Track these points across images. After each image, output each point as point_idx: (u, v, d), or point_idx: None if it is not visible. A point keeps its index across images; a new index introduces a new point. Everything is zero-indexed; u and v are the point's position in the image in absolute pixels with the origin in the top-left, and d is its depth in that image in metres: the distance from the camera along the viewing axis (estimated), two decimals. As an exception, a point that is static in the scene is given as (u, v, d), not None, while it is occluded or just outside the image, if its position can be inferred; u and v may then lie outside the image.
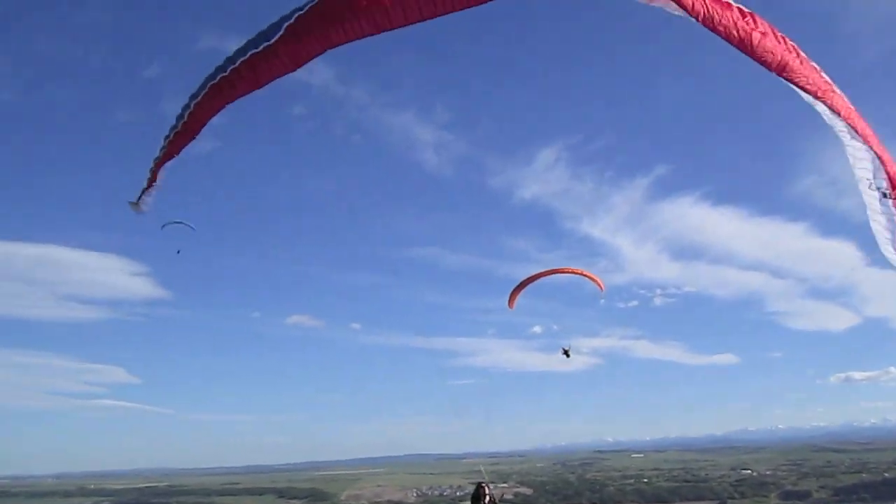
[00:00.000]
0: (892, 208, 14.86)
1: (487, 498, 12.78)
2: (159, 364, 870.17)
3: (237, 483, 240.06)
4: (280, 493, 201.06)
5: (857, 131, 14.32)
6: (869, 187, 14.95)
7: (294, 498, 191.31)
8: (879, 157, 14.59)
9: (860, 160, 14.81)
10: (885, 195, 14.76)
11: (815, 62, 13.39)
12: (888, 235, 15.07)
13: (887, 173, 14.68)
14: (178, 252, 28.19)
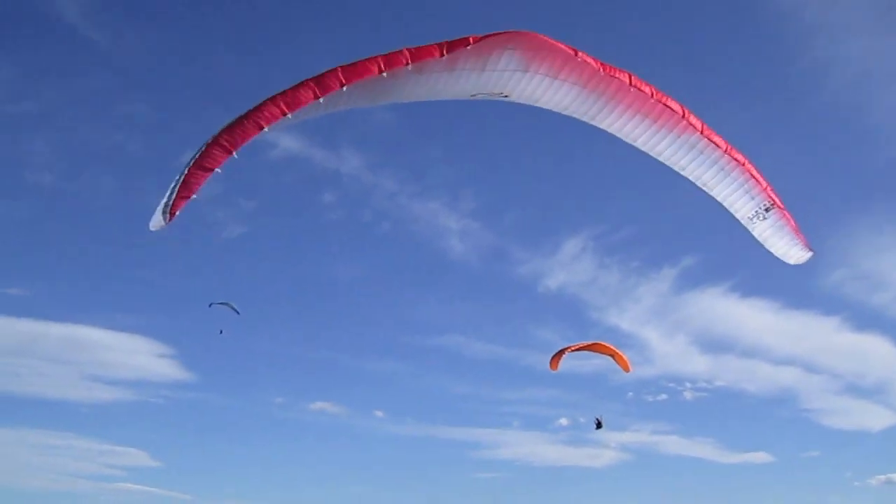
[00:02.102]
0: (776, 216, 16.21)
1: None
2: (181, 448, 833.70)
3: None
4: None
5: (731, 162, 15.58)
6: (752, 220, 16.25)
7: None
8: (754, 178, 15.73)
9: (737, 201, 16.12)
10: (767, 209, 16.02)
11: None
12: (787, 241, 16.65)
13: (762, 189, 15.89)
14: (221, 332, 27.74)
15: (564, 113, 15.01)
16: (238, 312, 26.96)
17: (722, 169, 15.56)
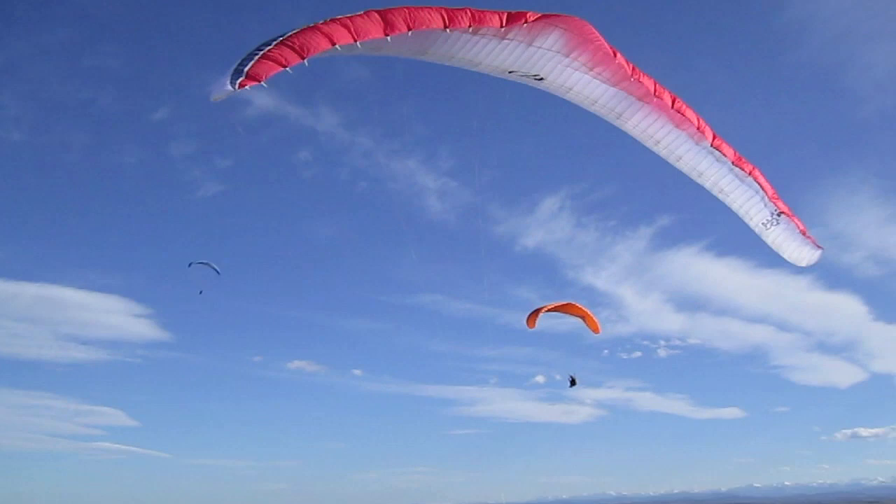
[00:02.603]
0: (786, 221, 16.52)
1: None
2: (159, 407, 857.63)
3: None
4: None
5: (743, 170, 15.91)
6: (766, 226, 16.41)
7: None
8: (763, 185, 16.07)
9: (752, 208, 16.38)
10: (779, 214, 16.32)
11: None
12: (798, 243, 16.79)
13: (771, 196, 16.22)
14: (201, 293, 28.50)
15: (591, 109, 15.52)
16: (218, 272, 26.34)
17: (737, 176, 16.00)
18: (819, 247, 17.45)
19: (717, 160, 15.84)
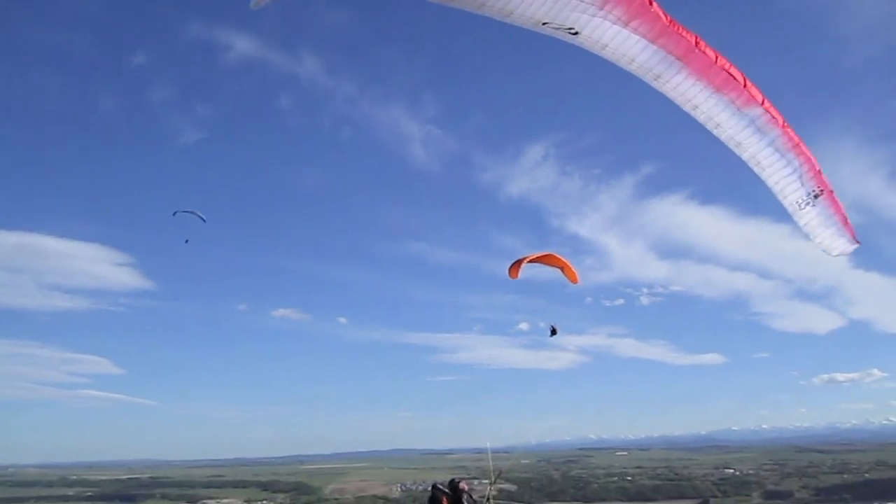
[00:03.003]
0: (824, 204, 15.34)
1: (468, 496, 11.08)
2: (144, 355, 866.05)
3: (222, 476, 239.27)
4: (264, 487, 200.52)
5: (788, 142, 14.79)
6: (801, 206, 15.41)
7: (279, 491, 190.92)
8: (808, 159, 15.02)
9: (788, 185, 15.34)
10: (816, 196, 15.28)
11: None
12: (833, 231, 15.59)
13: (815, 173, 15.11)
14: (187, 241, 28.39)
15: (628, 68, 14.52)
16: (204, 220, 26.51)
17: (777, 149, 14.97)
18: (857, 241, 16.06)
19: (759, 129, 14.78)
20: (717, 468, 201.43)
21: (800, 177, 15.16)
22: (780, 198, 15.82)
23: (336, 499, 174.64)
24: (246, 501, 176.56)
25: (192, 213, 26.27)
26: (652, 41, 13.83)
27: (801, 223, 15.88)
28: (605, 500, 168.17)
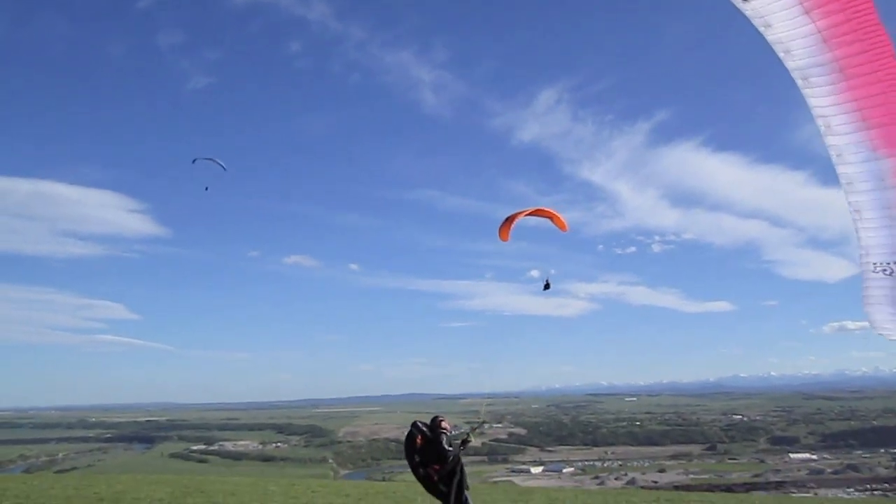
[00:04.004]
0: None
1: (445, 437, 11.13)
2: (158, 301, 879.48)
3: (237, 419, 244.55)
4: (279, 429, 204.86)
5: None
6: (874, 270, 12.35)
7: (293, 434, 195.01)
8: None
9: (878, 243, 12.23)
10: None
11: None
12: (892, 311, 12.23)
13: None
14: (207, 189, 28.47)
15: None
16: (224, 168, 26.57)
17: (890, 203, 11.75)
18: None
19: (882, 178, 11.55)
20: (724, 414, 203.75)
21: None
22: (861, 252, 12.43)
23: (349, 441, 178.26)
24: (261, 443, 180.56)
25: (212, 160, 26.29)
26: None
27: (867, 286, 12.37)
28: (613, 444, 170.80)
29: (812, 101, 11.73)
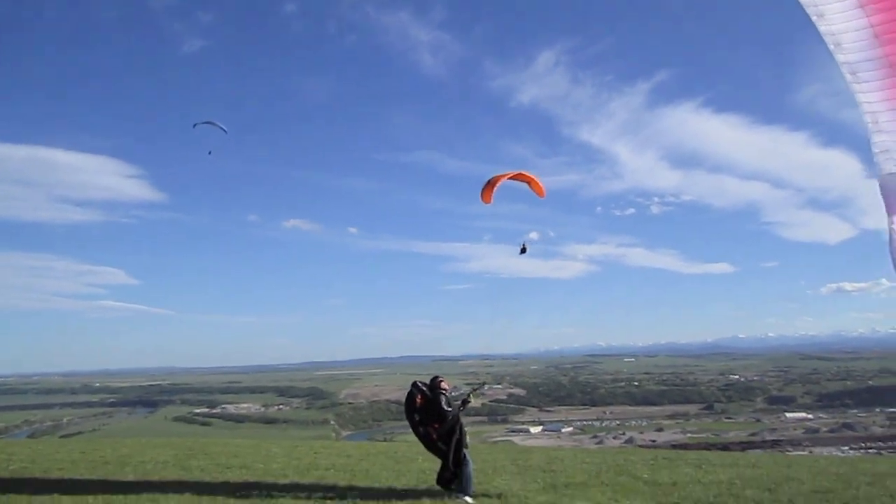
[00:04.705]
0: None
1: (444, 397, 11.35)
2: (158, 266, 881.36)
3: (239, 382, 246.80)
4: (280, 392, 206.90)
5: None
6: None
7: (294, 397, 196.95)
8: None
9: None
10: None
11: None
12: None
13: None
14: (210, 153, 28.42)
15: None
16: (226, 132, 26.35)
17: None
18: None
19: None
20: (722, 374, 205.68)
21: None
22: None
23: (350, 403, 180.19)
24: (263, 406, 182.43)
25: (211, 123, 25.98)
26: None
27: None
28: (612, 404, 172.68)
29: (860, 97, 11.52)
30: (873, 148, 11.53)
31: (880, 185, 11.38)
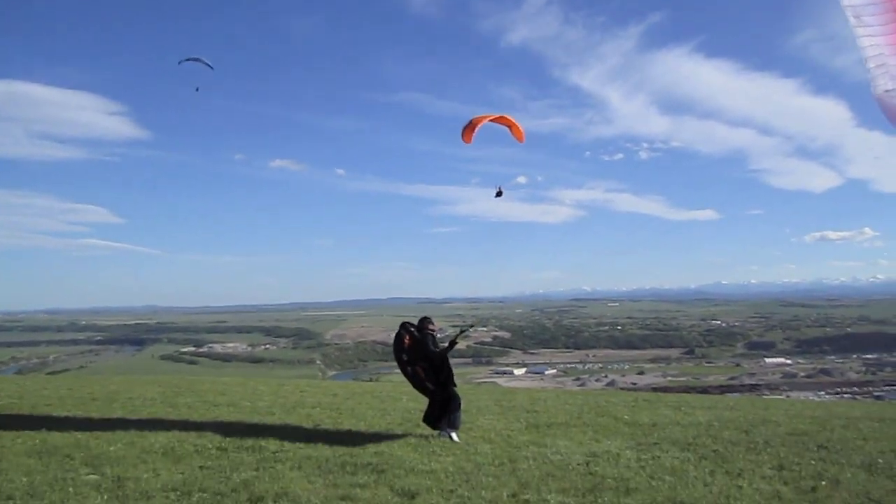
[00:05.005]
0: None
1: (431, 338, 11.52)
2: (143, 205, 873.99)
3: (225, 321, 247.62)
4: (267, 332, 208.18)
5: None
6: None
7: (281, 336, 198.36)
8: None
9: None
10: None
11: None
12: None
13: None
14: (197, 90, 27.73)
15: None
16: (212, 67, 25.77)
17: None
18: None
19: None
20: (704, 320, 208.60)
21: None
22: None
23: (336, 343, 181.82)
24: (250, 345, 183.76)
25: (197, 60, 25.37)
26: None
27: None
28: (595, 347, 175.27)
29: (864, 41, 11.19)
30: (874, 80, 11.22)
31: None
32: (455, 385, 11.65)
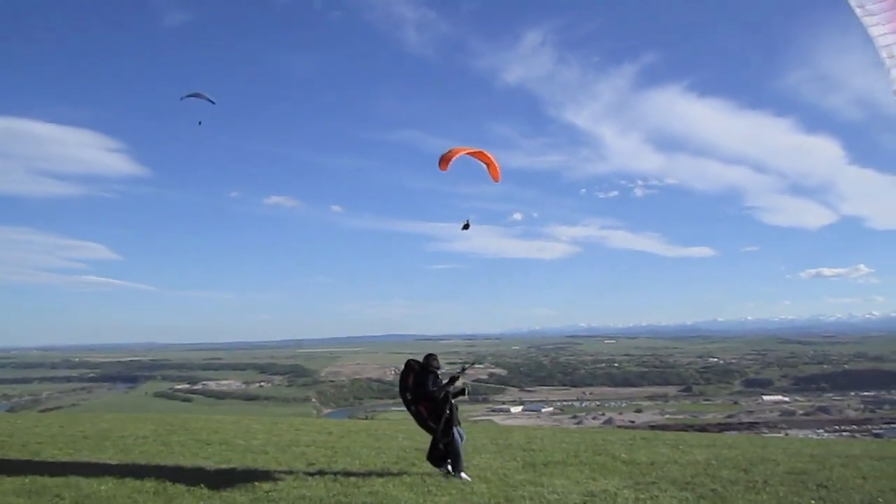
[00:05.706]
0: None
1: (432, 377, 11.52)
2: (140, 241, 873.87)
3: (220, 359, 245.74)
4: (262, 369, 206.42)
5: None
6: None
7: (276, 374, 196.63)
8: None
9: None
10: None
11: None
12: None
13: None
14: (200, 123, 28.05)
15: None
16: (213, 102, 26.19)
17: None
18: None
19: None
20: (700, 357, 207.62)
21: None
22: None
23: (331, 381, 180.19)
24: (244, 383, 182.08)
25: (198, 96, 25.69)
26: None
27: None
28: (592, 385, 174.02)
29: (872, 31, 11.26)
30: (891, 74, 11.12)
31: None
32: (458, 423, 11.55)
